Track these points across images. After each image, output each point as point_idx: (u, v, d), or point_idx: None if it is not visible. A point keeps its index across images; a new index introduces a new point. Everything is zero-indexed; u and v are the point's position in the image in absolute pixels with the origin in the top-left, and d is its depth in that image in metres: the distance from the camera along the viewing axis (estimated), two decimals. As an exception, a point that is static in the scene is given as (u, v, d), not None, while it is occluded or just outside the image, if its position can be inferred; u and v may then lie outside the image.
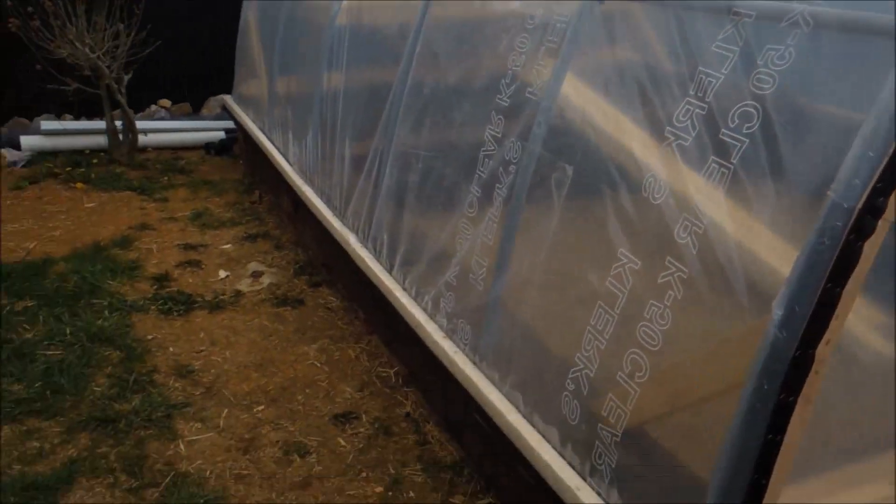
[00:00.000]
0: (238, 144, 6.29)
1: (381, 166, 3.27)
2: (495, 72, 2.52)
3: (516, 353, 2.31)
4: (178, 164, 6.02)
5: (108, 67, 5.43)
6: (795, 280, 1.35)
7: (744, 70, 1.60)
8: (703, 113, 1.66)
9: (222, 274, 4.20)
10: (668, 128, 1.75)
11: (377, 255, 3.29)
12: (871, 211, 1.29)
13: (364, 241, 3.42)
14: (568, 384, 2.02)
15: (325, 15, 4.06)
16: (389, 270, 3.16)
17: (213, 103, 7.07)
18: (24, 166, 5.64)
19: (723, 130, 1.60)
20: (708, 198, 1.63)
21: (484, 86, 2.61)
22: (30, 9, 5.06)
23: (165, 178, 5.69)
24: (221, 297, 3.93)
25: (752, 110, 1.55)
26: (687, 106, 1.71)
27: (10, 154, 5.67)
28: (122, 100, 5.61)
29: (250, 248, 4.55)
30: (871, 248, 1.31)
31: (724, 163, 1.58)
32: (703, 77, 1.68)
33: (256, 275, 4.20)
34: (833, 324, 1.35)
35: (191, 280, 4.11)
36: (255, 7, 5.65)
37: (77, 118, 6.37)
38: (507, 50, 2.47)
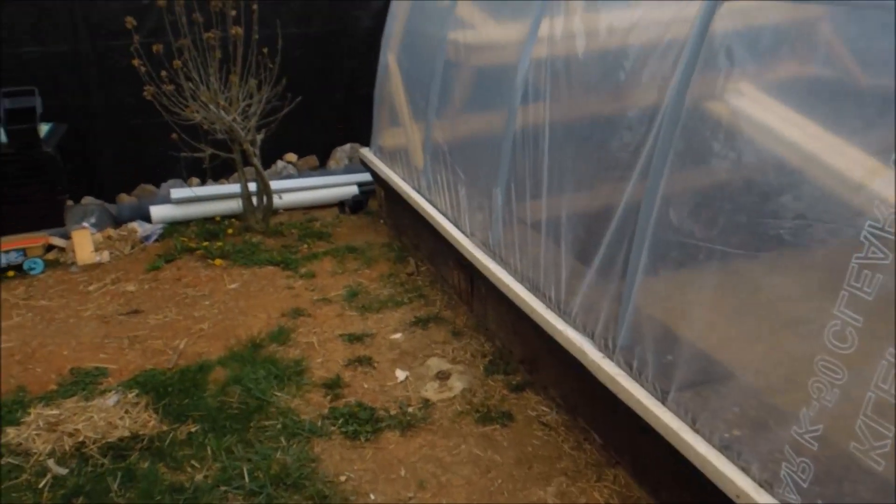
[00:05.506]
0: (377, 201, 5.68)
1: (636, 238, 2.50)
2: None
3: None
4: (314, 227, 5.45)
5: (244, 129, 4.91)
6: None
7: None
8: None
9: (400, 375, 3.53)
10: None
11: (636, 375, 2.52)
12: None
13: (607, 350, 2.66)
14: None
15: (510, 53, 3.37)
16: (662, 400, 2.38)
17: (339, 154, 6.51)
18: (156, 240, 5.19)
19: None
20: None
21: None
22: (163, 72, 4.58)
23: (305, 245, 5.12)
24: (408, 408, 3.24)
25: None
26: None
27: (141, 228, 5.23)
28: (258, 163, 5.08)
29: (423, 336, 3.87)
30: None
31: None
32: None
33: (442, 376, 3.50)
34: None
35: (366, 385, 3.45)
36: (396, 51, 5.04)
37: (203, 182, 5.94)
38: None
